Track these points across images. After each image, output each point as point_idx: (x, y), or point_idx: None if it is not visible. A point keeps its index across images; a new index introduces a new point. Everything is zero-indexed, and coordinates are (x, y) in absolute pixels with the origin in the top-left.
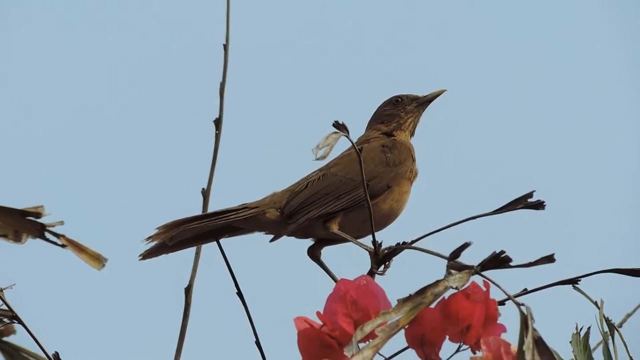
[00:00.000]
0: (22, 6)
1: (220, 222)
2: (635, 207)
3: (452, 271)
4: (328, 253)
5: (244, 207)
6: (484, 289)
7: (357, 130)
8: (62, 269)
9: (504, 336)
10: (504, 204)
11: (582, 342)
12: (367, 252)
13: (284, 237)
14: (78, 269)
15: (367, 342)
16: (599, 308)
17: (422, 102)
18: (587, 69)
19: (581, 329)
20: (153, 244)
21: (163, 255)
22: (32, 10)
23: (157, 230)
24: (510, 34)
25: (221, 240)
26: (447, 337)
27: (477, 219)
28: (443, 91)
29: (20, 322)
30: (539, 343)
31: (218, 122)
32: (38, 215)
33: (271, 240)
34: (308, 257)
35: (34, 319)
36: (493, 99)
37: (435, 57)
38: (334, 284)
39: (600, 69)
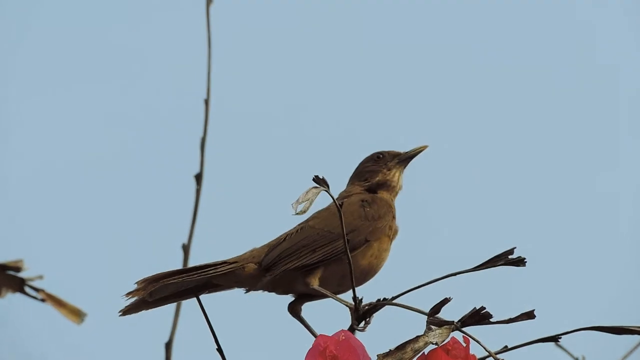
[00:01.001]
0: None
1: (199, 277)
2: (619, 263)
3: (432, 327)
4: (309, 309)
5: (223, 262)
6: (464, 344)
7: (340, 185)
8: (42, 323)
9: None
10: (485, 260)
11: None
12: (347, 308)
13: (265, 293)
14: (58, 324)
15: None
16: None
17: (404, 159)
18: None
19: None
20: (133, 299)
21: (143, 311)
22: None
23: (136, 284)
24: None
25: (201, 296)
26: None
27: (458, 275)
28: (424, 147)
29: None
30: None
31: (199, 178)
32: (18, 269)
33: (246, 292)
34: (289, 313)
35: None
36: (475, 155)
37: (415, 111)
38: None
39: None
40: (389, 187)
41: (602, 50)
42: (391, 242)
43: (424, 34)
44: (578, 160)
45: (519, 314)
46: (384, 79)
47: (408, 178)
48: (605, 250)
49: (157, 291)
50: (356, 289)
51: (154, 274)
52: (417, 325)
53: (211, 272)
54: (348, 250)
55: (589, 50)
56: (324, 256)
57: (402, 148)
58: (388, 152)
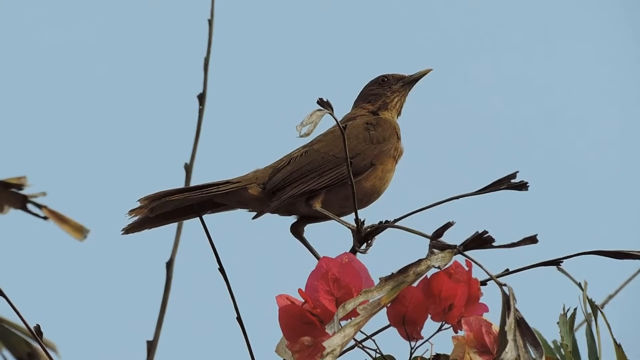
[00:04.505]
0: None
1: (202, 195)
2: (621, 190)
3: (435, 250)
4: (311, 230)
5: (226, 182)
6: (467, 268)
7: (344, 108)
8: (45, 240)
9: (486, 316)
10: (488, 184)
11: (568, 323)
12: (349, 230)
13: (267, 214)
14: (60, 241)
15: (349, 320)
16: (582, 289)
17: (408, 82)
18: (574, 50)
19: (568, 310)
20: (136, 218)
21: (146, 229)
22: None
23: (138, 202)
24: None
25: (204, 217)
26: (429, 316)
27: (461, 198)
28: (429, 70)
29: (1, 293)
30: (520, 323)
31: (202, 97)
32: (20, 186)
33: (254, 217)
34: (291, 234)
35: (15, 291)
36: (480, 78)
37: (420, 34)
38: (317, 261)
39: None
40: (392, 109)
41: None
42: (396, 163)
43: None
44: (586, 87)
45: (521, 238)
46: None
47: (413, 100)
48: (608, 175)
49: (159, 207)
50: (359, 211)
51: (156, 192)
52: (419, 248)
53: (214, 191)
54: (351, 173)
55: None
56: (330, 181)
57: (408, 72)
58: (392, 75)
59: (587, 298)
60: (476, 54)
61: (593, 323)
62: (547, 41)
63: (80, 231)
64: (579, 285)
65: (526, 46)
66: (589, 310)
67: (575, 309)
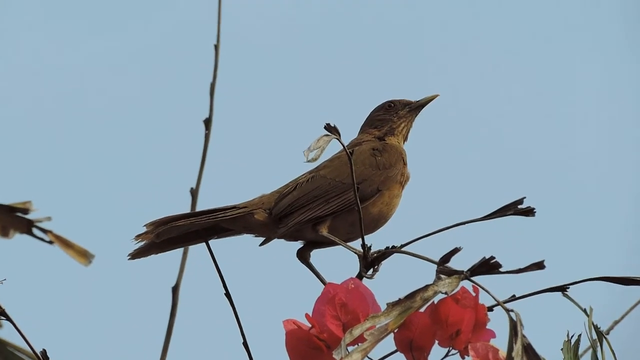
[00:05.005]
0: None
1: (208, 220)
2: (627, 215)
3: (442, 276)
4: (317, 256)
5: (233, 207)
6: (474, 294)
7: (351, 133)
8: (50, 265)
9: (493, 342)
10: (495, 209)
11: (572, 350)
12: (356, 255)
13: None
14: (66, 266)
15: (356, 346)
16: (588, 316)
17: (415, 107)
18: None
19: (572, 336)
20: (142, 243)
21: (152, 255)
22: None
23: (145, 227)
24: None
25: (211, 242)
26: (436, 341)
27: (468, 224)
28: (436, 96)
29: (7, 317)
30: (528, 349)
31: (208, 122)
32: (26, 211)
33: (261, 244)
34: (297, 259)
35: (21, 315)
36: (487, 104)
37: (428, 60)
38: (323, 286)
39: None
40: (399, 134)
41: None
42: (402, 188)
43: None
44: (591, 110)
45: (528, 264)
46: (398, 28)
47: (419, 126)
48: (618, 200)
49: (165, 232)
50: (365, 236)
51: (162, 217)
52: (426, 274)
53: (220, 216)
54: (358, 199)
55: None
56: (337, 207)
57: (414, 97)
58: (399, 101)
59: (593, 324)
60: (476, 54)
61: (598, 349)
62: (547, 41)
63: (85, 256)
64: (585, 311)
65: (526, 46)
66: (595, 336)
67: (579, 335)
